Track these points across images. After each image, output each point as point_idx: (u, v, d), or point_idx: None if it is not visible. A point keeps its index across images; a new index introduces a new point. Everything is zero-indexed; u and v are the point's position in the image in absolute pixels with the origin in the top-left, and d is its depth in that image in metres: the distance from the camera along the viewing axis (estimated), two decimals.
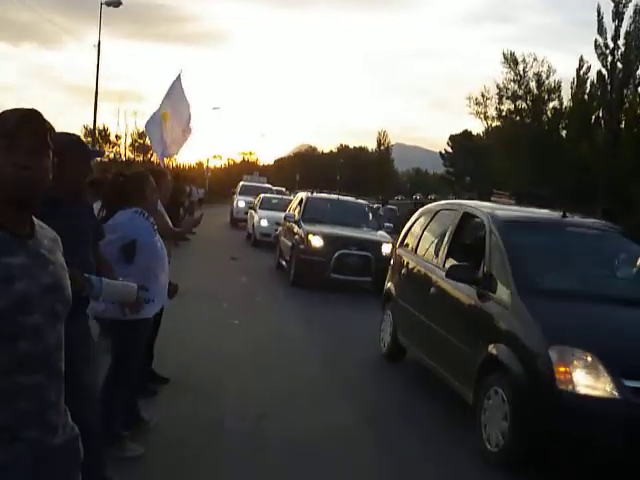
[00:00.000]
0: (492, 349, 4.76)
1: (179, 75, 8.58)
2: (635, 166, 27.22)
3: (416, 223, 7.53)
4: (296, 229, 12.91)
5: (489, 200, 17.05)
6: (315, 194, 15.09)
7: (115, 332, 4.20)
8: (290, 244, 12.96)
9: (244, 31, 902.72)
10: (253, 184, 31.79)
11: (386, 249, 11.93)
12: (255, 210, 21.00)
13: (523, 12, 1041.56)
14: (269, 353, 7.44)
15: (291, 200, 25.48)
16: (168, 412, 5.19)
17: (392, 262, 7.95)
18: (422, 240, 7.04)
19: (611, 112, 31.66)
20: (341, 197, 15.60)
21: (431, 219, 7.09)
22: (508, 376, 4.53)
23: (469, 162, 71.87)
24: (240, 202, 26.87)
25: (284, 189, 33.82)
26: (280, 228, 15.81)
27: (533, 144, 32.04)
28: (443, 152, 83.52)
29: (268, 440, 4.87)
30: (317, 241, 12.16)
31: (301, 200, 14.59)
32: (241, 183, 31.47)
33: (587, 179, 25.84)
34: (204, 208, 22.70)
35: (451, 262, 5.83)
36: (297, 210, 14.13)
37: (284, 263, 13.72)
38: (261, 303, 10.71)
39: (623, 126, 31.89)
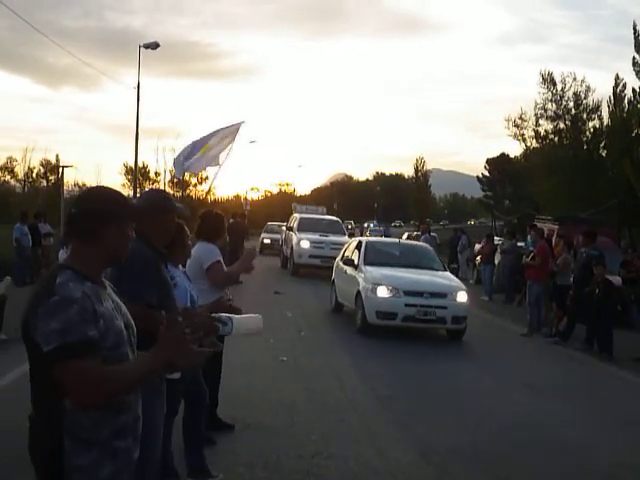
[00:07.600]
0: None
1: (239, 124, 8.90)
2: None
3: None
4: None
5: (532, 225, 16.93)
6: None
7: None
8: None
9: (277, 63, 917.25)
10: (314, 216, 23.98)
11: None
12: (356, 267, 12.13)
13: (556, 31, 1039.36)
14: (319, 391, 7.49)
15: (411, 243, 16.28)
16: (224, 450, 5.24)
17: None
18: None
19: None
20: None
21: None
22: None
23: (507, 185, 71.28)
24: (304, 242, 20.06)
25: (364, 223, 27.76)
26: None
27: (573, 164, 31.68)
28: (480, 176, 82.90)
29: (326, 477, 4.88)
30: None
31: None
32: (297, 216, 23.10)
33: (630, 199, 25.29)
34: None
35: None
36: None
37: None
38: None
39: None
